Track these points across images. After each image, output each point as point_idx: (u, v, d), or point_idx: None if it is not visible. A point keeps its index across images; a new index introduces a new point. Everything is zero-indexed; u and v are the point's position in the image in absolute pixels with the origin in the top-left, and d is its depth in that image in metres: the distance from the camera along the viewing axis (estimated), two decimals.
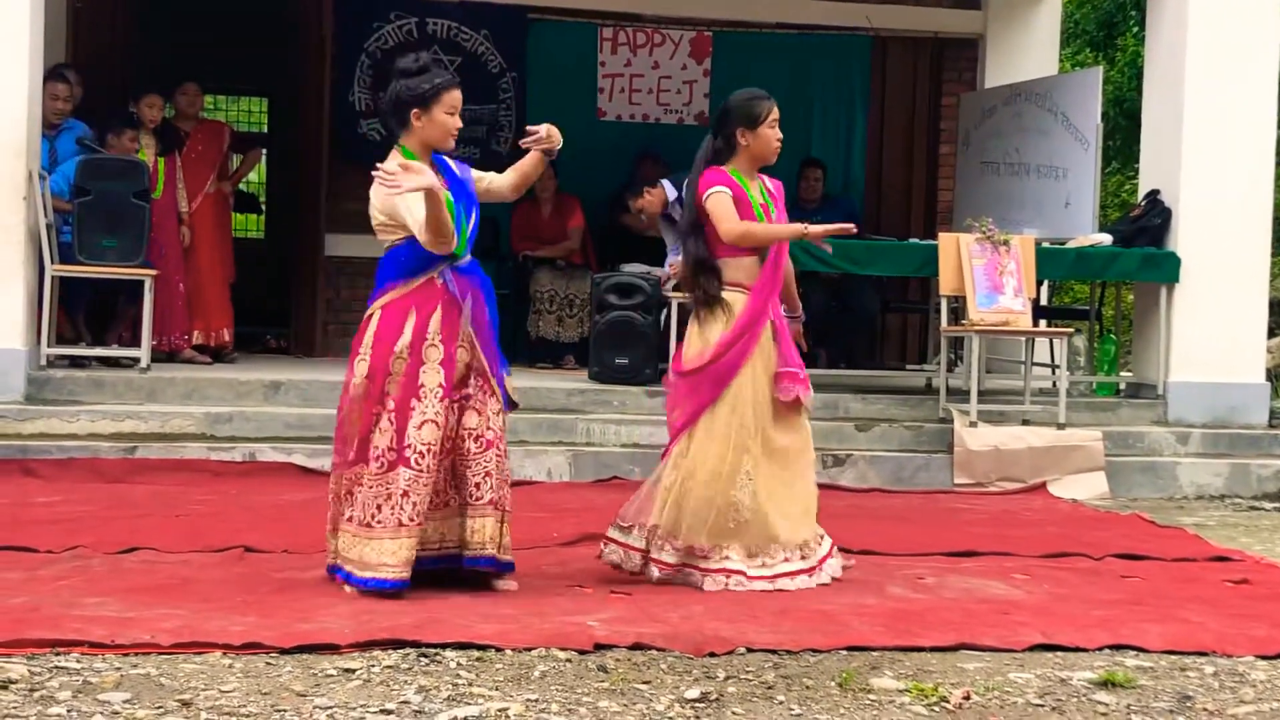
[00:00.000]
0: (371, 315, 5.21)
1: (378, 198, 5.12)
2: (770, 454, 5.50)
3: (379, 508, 5.09)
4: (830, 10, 11.92)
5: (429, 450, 5.09)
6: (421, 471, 5.09)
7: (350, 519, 5.16)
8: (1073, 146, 10.09)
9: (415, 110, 5.16)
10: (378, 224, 5.20)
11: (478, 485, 5.21)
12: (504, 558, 5.28)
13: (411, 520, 5.08)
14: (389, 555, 5.06)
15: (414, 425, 5.10)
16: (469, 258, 5.28)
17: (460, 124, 5.26)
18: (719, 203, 5.46)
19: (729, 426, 5.43)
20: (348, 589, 5.11)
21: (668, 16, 11.81)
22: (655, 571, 5.45)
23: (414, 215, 4.96)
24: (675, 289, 7.53)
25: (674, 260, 8.76)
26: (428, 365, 5.14)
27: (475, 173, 5.45)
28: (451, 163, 5.36)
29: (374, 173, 4.96)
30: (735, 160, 5.58)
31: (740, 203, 5.49)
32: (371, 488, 5.11)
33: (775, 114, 5.60)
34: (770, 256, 5.56)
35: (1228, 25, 9.15)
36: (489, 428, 5.26)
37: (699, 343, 5.52)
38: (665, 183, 9.38)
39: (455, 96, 5.20)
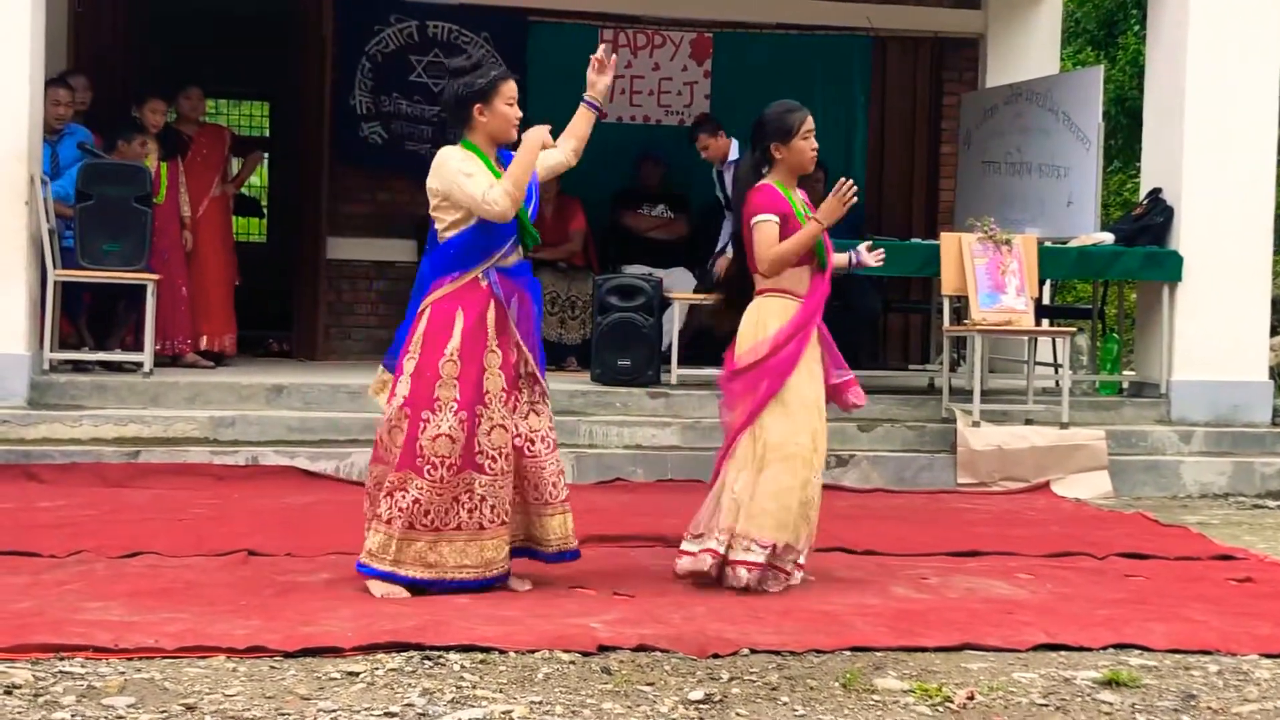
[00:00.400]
0: (423, 313, 5.26)
1: (437, 178, 5.19)
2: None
3: (446, 511, 5.14)
4: (830, 10, 11.92)
5: (500, 454, 5.18)
6: (496, 475, 5.18)
7: (408, 523, 5.12)
8: (1074, 145, 10.08)
9: (477, 105, 5.24)
10: (435, 206, 5.24)
11: (554, 485, 5.33)
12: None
13: (492, 522, 5.18)
14: (470, 557, 5.16)
15: (483, 431, 5.17)
16: (518, 257, 5.34)
17: (520, 113, 5.33)
18: (761, 232, 5.51)
19: (799, 417, 5.46)
20: (383, 589, 5.12)
21: (668, 18, 11.81)
22: (743, 573, 5.39)
23: (475, 187, 5.06)
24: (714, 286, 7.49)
25: (723, 251, 8.84)
26: (490, 371, 5.20)
27: (540, 168, 5.50)
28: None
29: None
30: (775, 173, 5.62)
31: (788, 220, 5.53)
32: (440, 493, 5.13)
33: (809, 125, 5.61)
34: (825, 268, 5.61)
35: (1229, 23, 9.15)
36: (550, 428, 5.37)
37: (751, 339, 5.53)
38: (734, 142, 9.50)
39: (512, 87, 5.33)
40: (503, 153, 5.34)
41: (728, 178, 9.58)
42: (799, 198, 5.66)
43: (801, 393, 5.49)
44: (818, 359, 5.60)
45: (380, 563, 5.16)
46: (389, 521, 5.16)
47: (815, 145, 5.64)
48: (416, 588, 5.12)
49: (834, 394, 5.70)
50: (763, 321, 5.53)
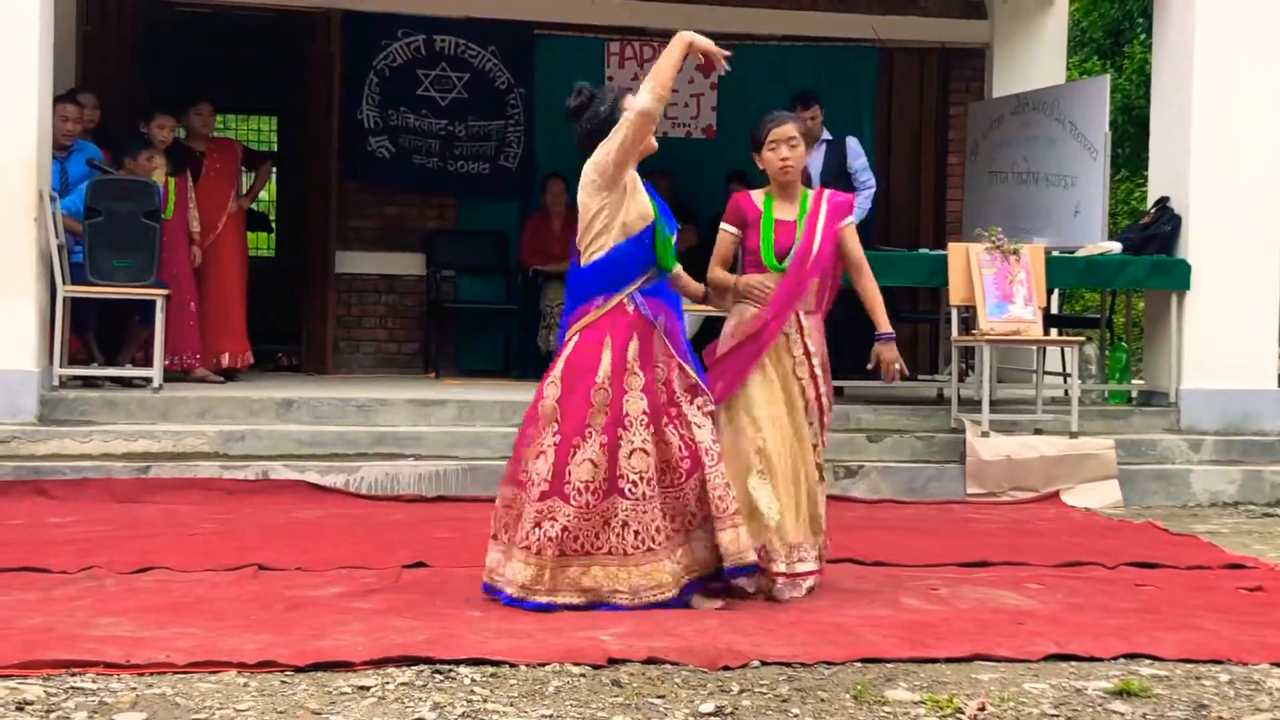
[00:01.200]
0: (570, 340, 5.25)
1: (587, 179, 5.26)
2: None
3: (595, 535, 5.13)
4: (836, 22, 11.93)
5: (641, 478, 5.15)
6: (638, 500, 5.14)
7: (558, 551, 5.11)
8: (1081, 155, 10.09)
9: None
10: (587, 222, 5.26)
11: (721, 498, 5.24)
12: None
13: (636, 549, 5.13)
14: (621, 582, 5.13)
15: (624, 455, 5.14)
16: (655, 277, 5.34)
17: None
18: (717, 241, 5.73)
19: (743, 423, 5.51)
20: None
21: (673, 29, 11.76)
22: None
23: (621, 122, 5.15)
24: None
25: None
26: (630, 394, 5.19)
27: None
28: None
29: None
30: (770, 184, 5.70)
31: (752, 223, 5.62)
32: (587, 518, 5.12)
33: (779, 133, 5.59)
34: (789, 273, 5.60)
35: (1235, 31, 9.15)
36: (714, 440, 5.31)
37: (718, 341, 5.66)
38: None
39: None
40: (646, 184, 5.41)
41: (815, 159, 9.71)
42: (813, 205, 5.68)
43: (752, 398, 5.51)
44: (779, 365, 5.57)
45: (537, 595, 5.12)
46: (539, 552, 5.11)
47: (784, 156, 5.59)
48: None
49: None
50: (729, 324, 5.66)
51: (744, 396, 5.53)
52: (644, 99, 5.18)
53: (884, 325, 5.87)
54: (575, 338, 5.24)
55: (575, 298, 5.30)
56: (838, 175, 9.72)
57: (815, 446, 5.64)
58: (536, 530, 5.12)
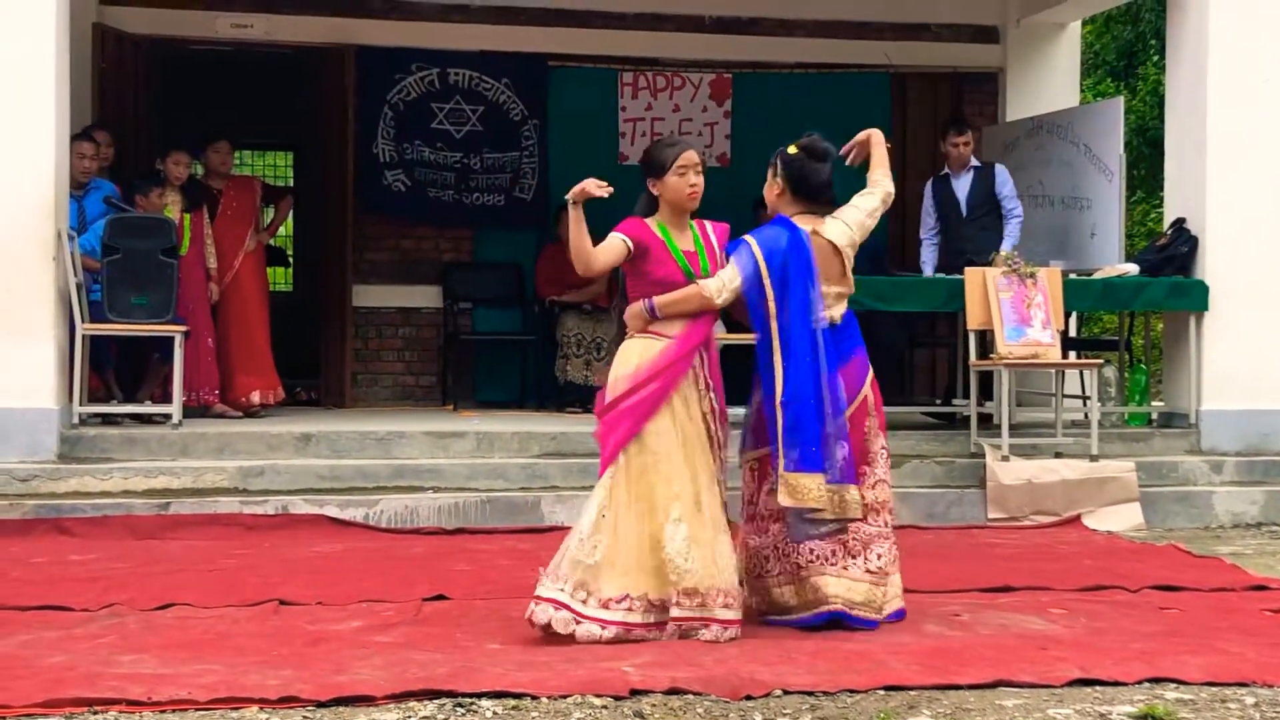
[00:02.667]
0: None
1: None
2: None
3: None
4: (848, 49, 11.94)
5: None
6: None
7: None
8: (1096, 177, 10.08)
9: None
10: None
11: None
12: None
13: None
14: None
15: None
16: None
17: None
18: (608, 243, 5.50)
19: (663, 462, 5.29)
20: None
21: (687, 59, 11.86)
22: (596, 630, 5.17)
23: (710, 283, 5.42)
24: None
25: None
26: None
27: None
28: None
29: None
30: (661, 212, 5.55)
31: (655, 252, 5.44)
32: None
33: (686, 159, 5.49)
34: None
35: (1248, 51, 9.14)
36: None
37: (613, 378, 5.43)
38: None
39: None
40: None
41: (963, 184, 9.84)
42: (706, 235, 5.58)
43: (665, 437, 5.29)
44: (697, 401, 5.40)
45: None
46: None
47: (692, 183, 5.47)
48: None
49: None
50: (626, 360, 5.42)
51: (652, 437, 5.28)
52: (715, 300, 5.42)
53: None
54: None
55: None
56: (984, 202, 9.77)
57: (721, 483, 5.43)
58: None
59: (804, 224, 5.56)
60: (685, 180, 5.50)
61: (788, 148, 5.70)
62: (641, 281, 5.48)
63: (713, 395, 5.46)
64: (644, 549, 5.21)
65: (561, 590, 5.17)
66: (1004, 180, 9.86)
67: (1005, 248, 9.52)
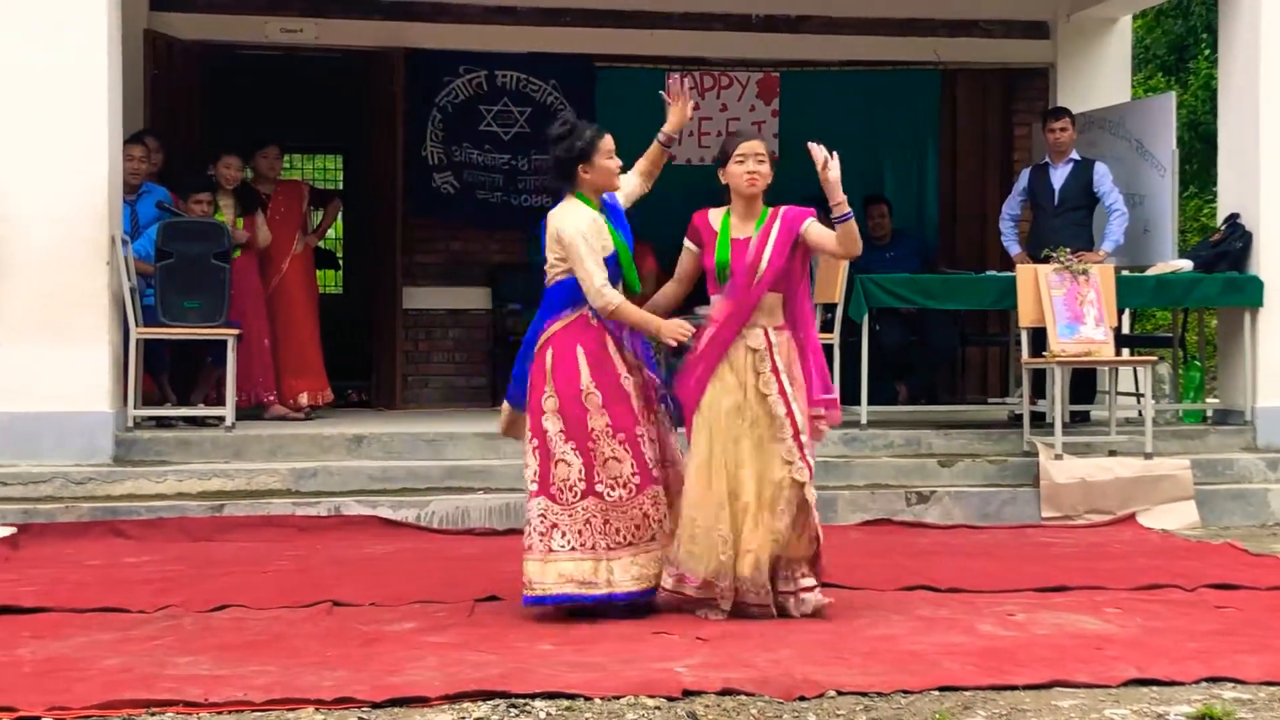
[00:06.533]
0: (544, 349, 5.61)
1: (560, 235, 5.61)
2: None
3: (636, 528, 5.58)
4: (897, 46, 11.89)
5: (617, 482, 5.54)
6: (615, 502, 5.55)
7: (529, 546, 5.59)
8: (1149, 173, 10.01)
9: (581, 165, 5.69)
10: (554, 251, 5.66)
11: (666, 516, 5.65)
12: None
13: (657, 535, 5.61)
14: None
15: (599, 461, 5.52)
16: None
17: (620, 162, 5.79)
18: (680, 257, 6.02)
19: (701, 444, 5.63)
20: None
21: (734, 59, 11.84)
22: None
23: (593, 276, 5.52)
24: None
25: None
26: (634, 395, 5.61)
27: (620, 196, 5.88)
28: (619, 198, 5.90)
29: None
30: (732, 201, 5.86)
31: (707, 242, 5.85)
32: (625, 510, 5.57)
33: (747, 148, 5.78)
34: (728, 289, 5.71)
35: None
36: (666, 460, 5.73)
37: None
38: None
39: (609, 141, 5.78)
40: (608, 202, 5.77)
41: (1059, 175, 9.77)
42: (743, 225, 5.80)
43: (708, 418, 5.61)
44: (742, 383, 5.63)
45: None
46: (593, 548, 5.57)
47: (752, 169, 5.75)
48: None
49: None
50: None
51: (704, 415, 5.62)
52: (604, 304, 5.56)
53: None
54: (550, 348, 5.60)
55: (543, 312, 5.70)
56: (1077, 196, 9.70)
57: (790, 464, 5.58)
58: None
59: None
60: (744, 168, 5.75)
61: None
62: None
63: (781, 378, 5.63)
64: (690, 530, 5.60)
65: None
66: (1103, 176, 9.66)
67: (1108, 245, 9.44)
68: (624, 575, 5.53)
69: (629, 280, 5.74)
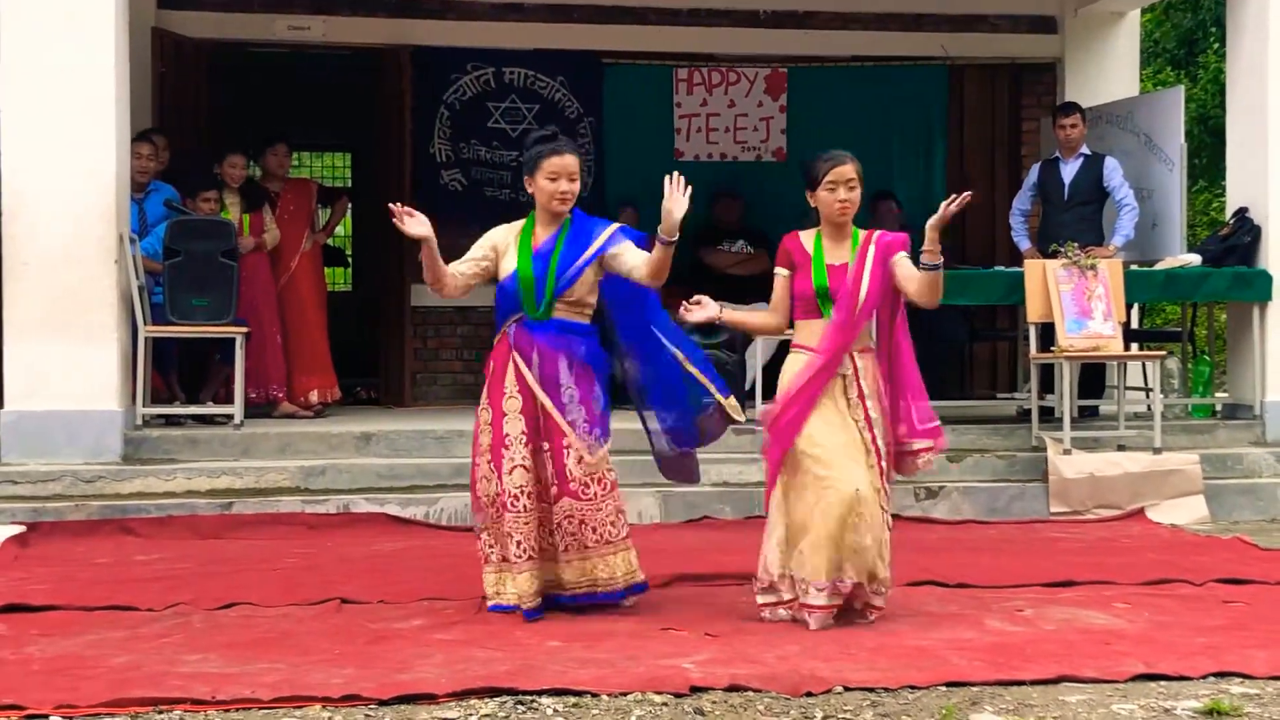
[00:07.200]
0: (489, 364, 5.73)
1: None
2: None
3: (504, 546, 5.58)
4: (905, 41, 11.89)
5: (522, 492, 5.52)
6: (519, 512, 5.52)
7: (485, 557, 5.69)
8: (1157, 167, 9.99)
9: (526, 178, 5.68)
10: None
11: (613, 525, 5.64)
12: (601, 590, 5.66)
13: (519, 558, 5.52)
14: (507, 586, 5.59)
15: (506, 471, 5.52)
16: (546, 317, 5.64)
17: (566, 186, 5.58)
18: (774, 284, 5.71)
19: (812, 466, 5.43)
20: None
21: (742, 55, 11.83)
22: (808, 619, 5.39)
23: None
24: None
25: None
26: (509, 416, 5.57)
27: (616, 245, 5.66)
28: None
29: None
30: (822, 223, 5.63)
31: (800, 266, 5.59)
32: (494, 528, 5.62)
33: (838, 174, 5.50)
34: (834, 320, 5.50)
35: None
36: (609, 470, 5.67)
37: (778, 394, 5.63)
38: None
39: (554, 162, 5.58)
40: (582, 219, 5.71)
41: (1070, 170, 9.78)
42: (863, 245, 5.64)
43: (817, 444, 5.41)
44: (837, 408, 5.48)
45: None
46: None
47: (842, 198, 5.54)
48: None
49: (896, 460, 5.64)
50: (781, 378, 5.61)
51: (806, 441, 5.43)
52: (437, 288, 5.90)
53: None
54: (493, 364, 5.73)
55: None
56: (1087, 190, 9.69)
57: (878, 491, 5.45)
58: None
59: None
60: (835, 196, 5.53)
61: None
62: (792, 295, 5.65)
63: (867, 404, 5.50)
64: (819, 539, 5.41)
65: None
66: (1114, 171, 9.64)
67: (1118, 240, 9.44)
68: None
69: (525, 305, 5.63)
